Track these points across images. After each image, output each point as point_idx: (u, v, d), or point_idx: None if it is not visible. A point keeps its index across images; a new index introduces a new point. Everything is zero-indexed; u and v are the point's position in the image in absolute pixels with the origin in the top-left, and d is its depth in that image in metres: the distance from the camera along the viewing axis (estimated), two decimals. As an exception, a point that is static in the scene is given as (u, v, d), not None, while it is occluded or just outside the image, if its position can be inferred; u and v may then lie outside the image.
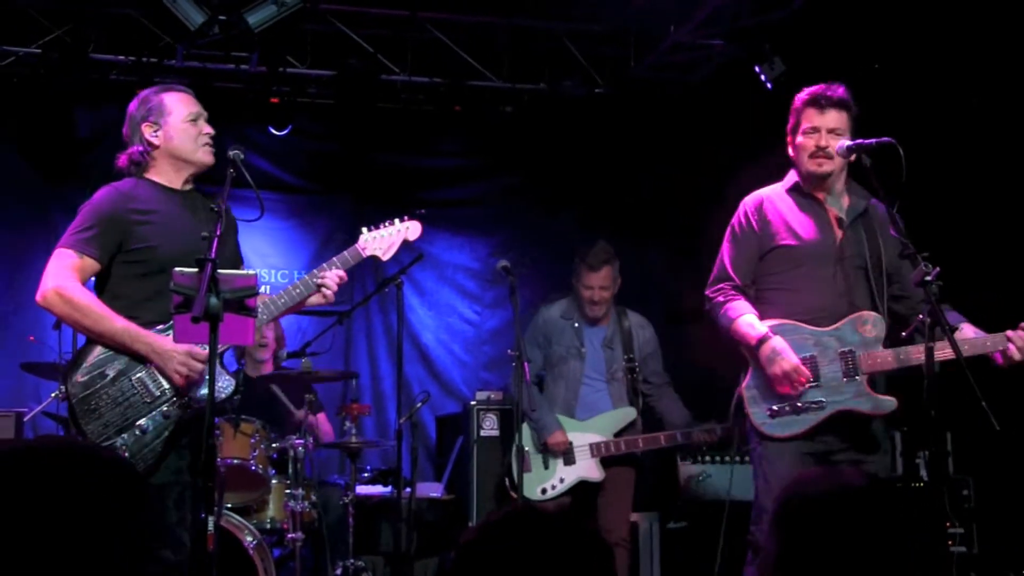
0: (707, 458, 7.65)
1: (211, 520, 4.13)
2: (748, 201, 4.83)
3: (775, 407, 4.55)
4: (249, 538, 6.02)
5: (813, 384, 4.51)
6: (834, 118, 4.67)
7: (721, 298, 4.71)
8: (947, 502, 6.87)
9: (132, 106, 4.43)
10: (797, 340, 4.53)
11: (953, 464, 7.12)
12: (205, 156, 4.40)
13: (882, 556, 2.06)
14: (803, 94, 4.77)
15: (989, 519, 7.03)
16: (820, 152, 4.63)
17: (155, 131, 4.35)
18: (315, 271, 4.48)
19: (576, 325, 6.63)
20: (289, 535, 6.25)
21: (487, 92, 9.14)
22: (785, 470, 4.47)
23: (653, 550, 7.54)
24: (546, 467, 6.50)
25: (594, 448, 6.43)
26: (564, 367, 6.61)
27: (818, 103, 4.69)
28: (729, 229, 4.83)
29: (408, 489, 6.67)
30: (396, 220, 4.76)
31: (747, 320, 4.62)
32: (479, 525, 2.03)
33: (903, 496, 6.58)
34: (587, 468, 6.46)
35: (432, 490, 7.86)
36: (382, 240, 4.69)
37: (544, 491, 6.48)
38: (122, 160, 4.40)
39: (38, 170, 8.89)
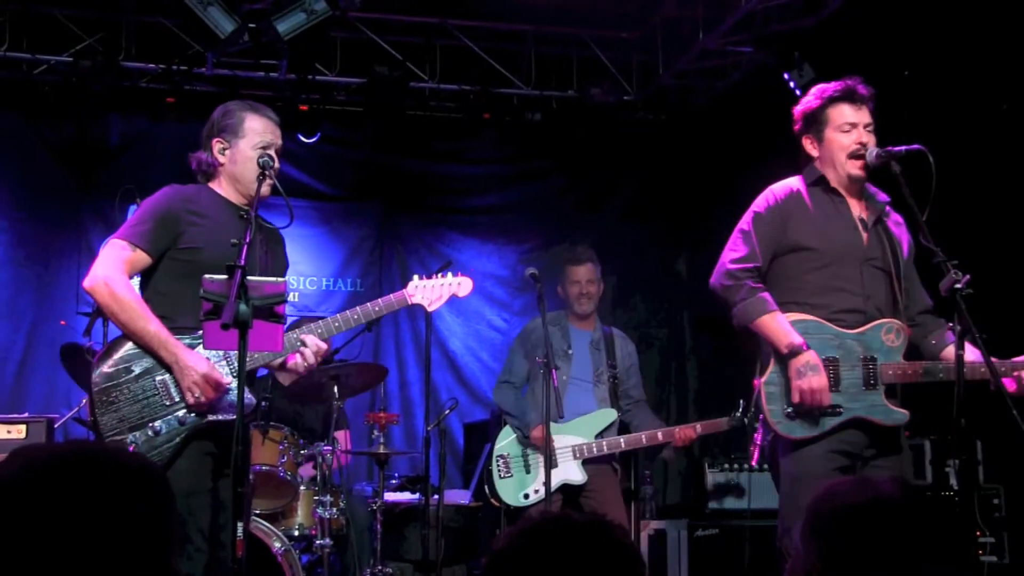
0: (735, 466, 7.65)
1: (240, 526, 4.12)
2: (777, 190, 4.63)
3: (792, 408, 4.37)
4: (277, 544, 6.04)
5: (832, 389, 4.41)
6: (868, 114, 4.52)
7: (751, 282, 4.50)
8: (977, 511, 6.80)
9: (216, 113, 4.48)
10: (821, 340, 4.40)
11: (983, 473, 7.06)
12: (263, 189, 4.30)
13: (917, 568, 2.04)
14: (829, 89, 4.55)
15: (1020, 528, 6.97)
16: (863, 149, 4.46)
17: (223, 149, 4.40)
18: (299, 331, 4.36)
19: (564, 329, 6.58)
20: (317, 541, 6.27)
21: (516, 99, 9.15)
22: (809, 468, 4.33)
23: (681, 557, 7.52)
24: (527, 471, 6.38)
25: (576, 450, 6.29)
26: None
27: (853, 98, 4.50)
28: (753, 213, 4.61)
29: (436, 496, 6.67)
30: (448, 273, 4.70)
31: (780, 320, 4.43)
32: (510, 532, 2.02)
33: (938, 507, 6.51)
34: (569, 471, 6.30)
35: (460, 497, 7.86)
36: (430, 291, 4.65)
37: (527, 496, 6.33)
38: (193, 163, 4.47)
39: (69, 177, 8.95)
